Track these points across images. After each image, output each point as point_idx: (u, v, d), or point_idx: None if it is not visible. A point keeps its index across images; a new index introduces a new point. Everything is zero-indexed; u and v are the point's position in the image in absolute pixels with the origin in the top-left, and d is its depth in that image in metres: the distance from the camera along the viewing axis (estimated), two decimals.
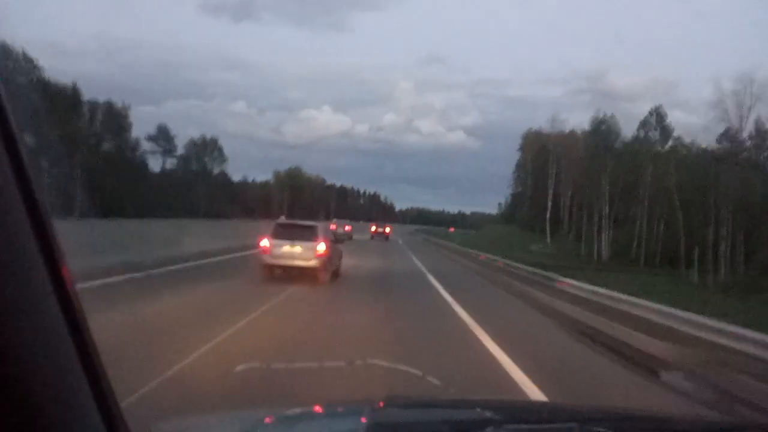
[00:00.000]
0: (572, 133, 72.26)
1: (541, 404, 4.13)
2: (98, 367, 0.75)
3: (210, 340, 6.80)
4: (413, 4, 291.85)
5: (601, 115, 66.53)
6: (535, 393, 5.59)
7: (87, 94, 64.17)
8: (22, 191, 0.66)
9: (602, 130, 64.37)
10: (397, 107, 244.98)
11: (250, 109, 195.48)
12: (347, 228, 43.88)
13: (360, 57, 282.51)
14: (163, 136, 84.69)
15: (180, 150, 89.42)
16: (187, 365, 5.74)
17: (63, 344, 0.70)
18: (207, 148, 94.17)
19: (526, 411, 2.19)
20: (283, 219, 20.50)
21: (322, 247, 13.18)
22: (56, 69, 76.49)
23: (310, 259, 12.94)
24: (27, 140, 0.68)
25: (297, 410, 1.97)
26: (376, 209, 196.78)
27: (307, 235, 13.34)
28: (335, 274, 14.64)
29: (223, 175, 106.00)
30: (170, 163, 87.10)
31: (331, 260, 13.93)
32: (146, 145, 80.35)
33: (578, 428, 1.49)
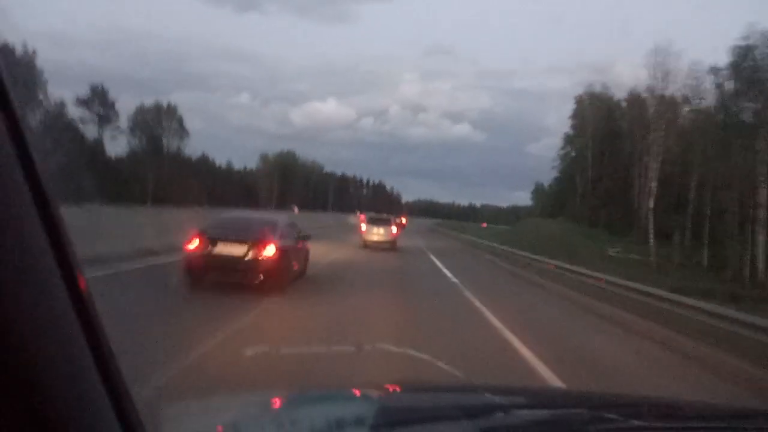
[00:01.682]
0: (668, 97, 49.50)
1: (552, 390, 4.15)
2: (111, 361, 0.74)
3: None
4: None
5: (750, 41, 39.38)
6: None
7: (88, 85, 54.99)
8: (29, 183, 0.65)
9: (751, 67, 39.42)
10: (402, 99, 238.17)
11: (254, 101, 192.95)
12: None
13: (365, 48, 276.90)
14: (98, 100, 63.65)
15: (126, 120, 68.30)
16: None
17: (74, 339, 0.69)
18: (162, 119, 72.87)
19: (537, 396, 2.17)
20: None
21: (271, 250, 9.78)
22: (56, 60, 69.53)
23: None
24: None
25: (306, 393, 1.98)
26: (381, 200, 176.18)
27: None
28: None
29: (197, 155, 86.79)
30: (110, 135, 65.86)
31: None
32: (76, 111, 59.59)
33: (588, 414, 1.51)
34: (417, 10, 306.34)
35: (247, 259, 9.37)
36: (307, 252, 12.80)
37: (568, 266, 18.36)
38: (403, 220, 53.46)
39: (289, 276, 10.63)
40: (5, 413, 0.60)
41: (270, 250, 9.54)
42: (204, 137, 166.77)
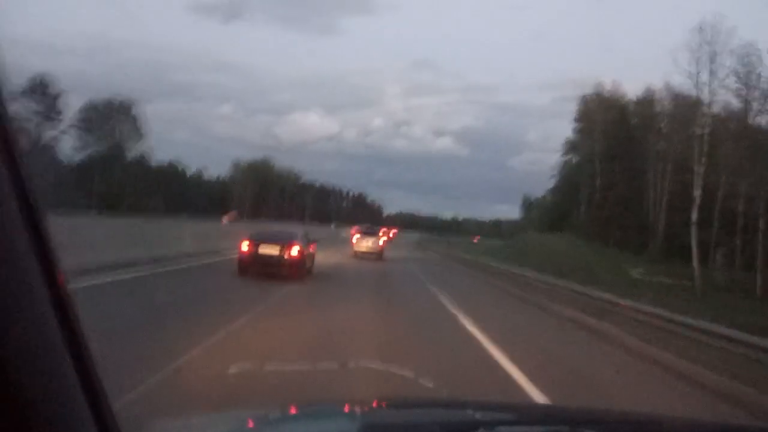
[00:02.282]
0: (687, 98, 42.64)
1: (534, 406, 4.10)
2: (91, 366, 0.73)
3: None
4: (404, 8, 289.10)
5: None
6: None
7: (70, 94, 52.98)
8: (15, 187, 0.65)
9: None
10: (385, 112, 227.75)
11: (238, 111, 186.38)
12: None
13: (350, 61, 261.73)
14: (40, 94, 55.34)
15: (71, 118, 60.09)
16: None
17: (54, 344, 0.69)
18: (114, 119, 64.52)
19: (518, 412, 2.17)
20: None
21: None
22: (40, 68, 60.91)
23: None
24: None
25: (288, 410, 1.98)
26: (361, 212, 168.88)
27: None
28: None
29: (151, 159, 78.31)
30: (50, 135, 57.42)
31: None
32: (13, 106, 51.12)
33: (569, 430, 1.50)
34: (402, 25, 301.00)
35: (280, 256, 13.97)
36: (313, 254, 16.84)
37: (615, 299, 14.19)
38: (391, 234, 56.26)
39: (305, 269, 15.12)
40: None
41: (295, 251, 14.27)
42: (187, 147, 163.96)
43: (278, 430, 1.60)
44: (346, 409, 1.87)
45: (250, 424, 1.62)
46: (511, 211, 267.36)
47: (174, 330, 7.09)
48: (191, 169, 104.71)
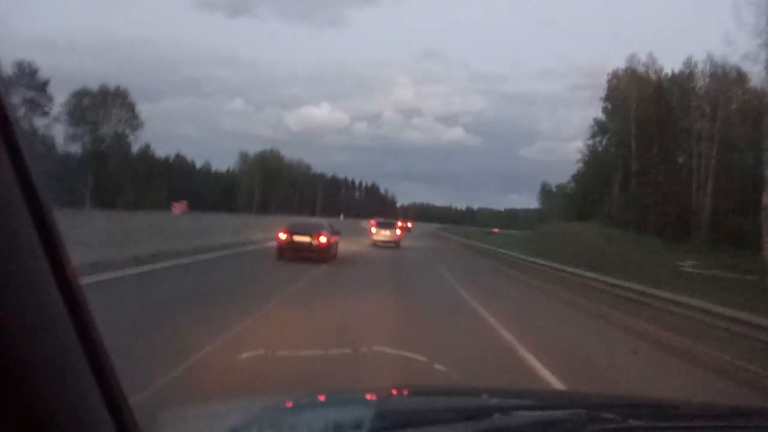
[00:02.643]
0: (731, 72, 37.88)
1: (551, 392, 4.20)
2: (105, 361, 0.74)
3: None
4: None
5: None
6: None
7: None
8: (21, 183, 0.65)
9: None
10: (395, 103, 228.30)
11: (248, 106, 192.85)
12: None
13: (358, 52, 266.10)
14: (26, 80, 51.59)
15: (60, 105, 56.42)
16: None
17: (66, 340, 0.69)
18: (108, 108, 60.54)
19: (535, 398, 2.19)
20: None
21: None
22: (48, 66, 64.61)
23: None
24: None
25: (304, 398, 1.99)
26: (374, 203, 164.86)
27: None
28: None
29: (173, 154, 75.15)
30: (41, 124, 53.69)
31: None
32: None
33: (586, 414, 1.50)
34: (408, 15, 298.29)
35: (311, 243, 16.86)
36: (337, 242, 19.92)
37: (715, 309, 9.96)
38: (409, 225, 58.29)
39: (330, 255, 18.11)
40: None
41: (323, 239, 17.15)
42: (196, 142, 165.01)
43: (291, 419, 1.59)
44: (362, 396, 1.90)
45: (262, 414, 1.60)
46: (525, 201, 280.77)
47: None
48: (200, 162, 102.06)
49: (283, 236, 17.33)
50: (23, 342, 0.61)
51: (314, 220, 22.15)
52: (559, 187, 77.54)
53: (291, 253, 16.94)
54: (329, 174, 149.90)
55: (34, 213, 0.65)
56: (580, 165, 61.78)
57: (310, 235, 17.13)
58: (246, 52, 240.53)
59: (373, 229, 31.10)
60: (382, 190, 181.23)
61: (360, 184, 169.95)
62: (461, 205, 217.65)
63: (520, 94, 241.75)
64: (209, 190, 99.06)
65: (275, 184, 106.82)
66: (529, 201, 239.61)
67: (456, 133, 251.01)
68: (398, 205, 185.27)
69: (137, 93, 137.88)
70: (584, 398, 2.29)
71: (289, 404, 1.79)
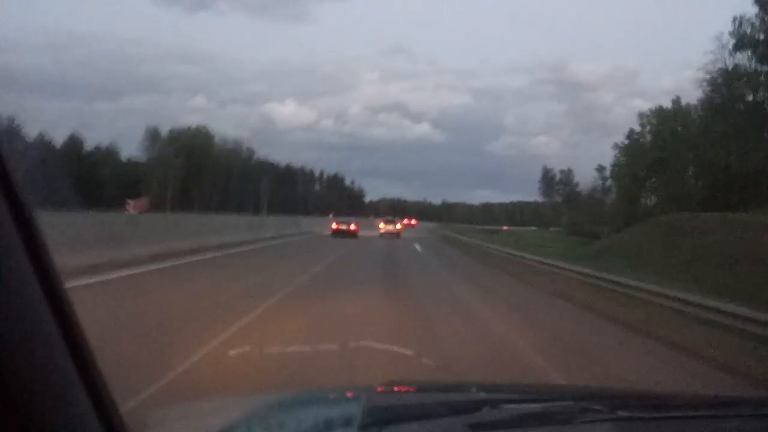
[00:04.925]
0: None
1: (541, 385, 4.14)
2: (91, 361, 0.74)
3: None
4: None
5: None
6: None
7: (33, 91, 40.66)
8: (1, 183, 0.64)
9: None
10: (362, 99, 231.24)
11: (210, 103, 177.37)
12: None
13: (323, 49, 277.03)
14: None
15: None
16: None
17: (53, 343, 0.69)
18: None
19: (525, 391, 2.18)
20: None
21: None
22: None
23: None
24: None
25: (293, 395, 1.98)
26: (339, 197, 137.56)
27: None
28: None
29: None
30: None
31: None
32: None
33: (576, 406, 1.51)
34: (375, 10, 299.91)
35: (349, 229, 37.34)
36: (357, 228, 38.32)
37: None
38: (413, 222, 73.88)
39: (356, 234, 37.24)
40: None
41: (353, 226, 38.08)
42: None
43: (281, 416, 1.57)
44: (351, 392, 1.92)
45: (251, 411, 1.59)
46: (494, 196, 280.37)
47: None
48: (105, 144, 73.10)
49: (334, 226, 37.97)
50: (6, 344, 0.60)
51: (346, 218, 44.87)
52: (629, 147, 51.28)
53: (338, 233, 36.33)
54: (282, 162, 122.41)
55: (13, 214, 0.64)
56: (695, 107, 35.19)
57: (347, 224, 38.34)
58: (208, 49, 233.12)
59: (381, 225, 43.84)
60: (347, 182, 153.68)
61: (321, 174, 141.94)
62: (436, 200, 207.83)
63: (486, 89, 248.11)
64: (111, 182, 70.89)
65: (203, 173, 78.72)
66: (498, 195, 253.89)
67: (423, 129, 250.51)
68: (367, 200, 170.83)
69: (95, 90, 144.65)
70: (574, 390, 2.37)
71: (279, 401, 1.79)
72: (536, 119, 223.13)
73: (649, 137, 54.87)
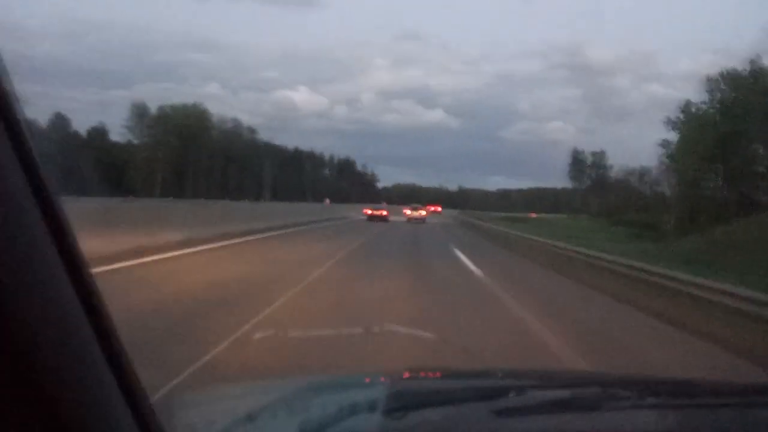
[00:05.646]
0: None
1: (566, 371, 4.14)
2: (122, 355, 0.73)
3: None
4: None
5: None
6: None
7: (50, 78, 43.82)
8: (26, 170, 0.63)
9: None
10: (374, 86, 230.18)
11: (224, 90, 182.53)
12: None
13: (334, 34, 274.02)
14: None
15: None
16: None
17: (82, 335, 0.68)
18: None
19: (550, 378, 2.17)
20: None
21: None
22: (17, 53, 50.59)
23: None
24: None
25: (317, 380, 2.00)
26: (350, 183, 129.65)
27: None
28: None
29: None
30: None
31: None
32: None
33: (603, 392, 1.51)
34: None
35: (382, 214, 43.28)
36: (388, 214, 44.26)
37: None
38: (438, 209, 74.79)
39: (388, 219, 42.55)
40: (15, 417, 0.60)
41: (385, 212, 44.15)
42: None
43: (306, 401, 1.58)
44: (376, 377, 1.93)
45: (276, 395, 1.62)
46: (509, 182, 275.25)
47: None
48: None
49: (368, 212, 44.28)
50: (36, 343, 0.61)
51: (379, 205, 53.13)
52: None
53: (373, 218, 41.60)
54: (290, 146, 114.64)
55: (43, 208, 0.63)
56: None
57: (379, 210, 44.18)
58: (220, 36, 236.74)
59: (408, 212, 47.10)
60: (359, 167, 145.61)
61: (331, 158, 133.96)
62: (451, 186, 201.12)
63: (500, 74, 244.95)
64: (96, 167, 63.51)
65: (197, 155, 71.15)
66: (512, 182, 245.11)
67: (436, 115, 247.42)
68: (381, 186, 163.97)
69: (109, 78, 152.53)
70: (600, 377, 2.36)
71: (304, 386, 1.81)
72: (551, 104, 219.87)
73: (706, 107, 46.25)
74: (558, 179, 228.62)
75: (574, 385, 1.80)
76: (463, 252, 16.96)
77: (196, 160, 70.94)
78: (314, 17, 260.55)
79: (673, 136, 53.04)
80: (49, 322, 0.62)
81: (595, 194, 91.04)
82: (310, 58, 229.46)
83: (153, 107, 72.13)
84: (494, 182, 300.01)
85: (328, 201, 61.46)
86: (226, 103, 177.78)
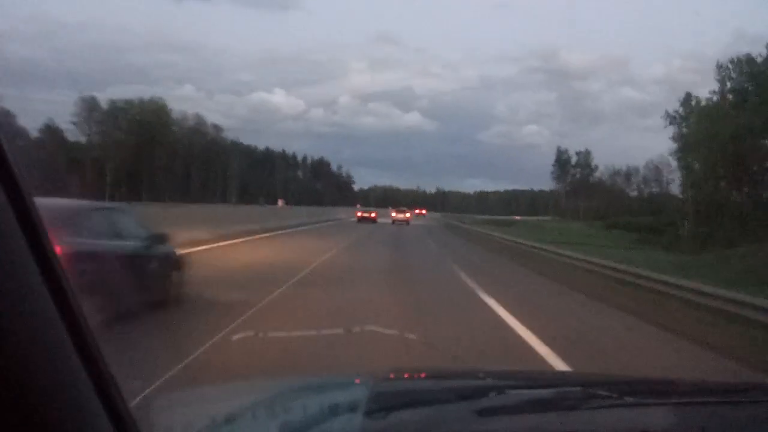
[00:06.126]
0: None
1: (548, 372, 4.16)
2: (96, 353, 0.73)
3: None
4: None
5: None
6: None
7: (18, 80, 58.14)
8: (4, 181, 0.63)
9: None
10: (351, 88, 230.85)
11: (198, 92, 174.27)
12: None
13: (311, 37, 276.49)
14: None
15: None
16: None
17: (56, 332, 0.68)
18: None
19: (532, 378, 2.17)
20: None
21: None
22: None
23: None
24: None
25: (298, 380, 2.02)
26: (325, 185, 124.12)
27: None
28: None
29: None
30: None
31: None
32: None
33: (583, 392, 1.53)
34: None
35: (371, 216, 44.77)
36: (376, 215, 46.39)
37: None
38: (423, 212, 79.00)
39: (376, 221, 44.02)
40: None
41: (373, 214, 45.55)
42: None
43: (287, 401, 1.55)
44: (357, 378, 1.93)
45: (257, 396, 1.60)
46: (486, 185, 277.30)
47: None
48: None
49: (359, 214, 45.35)
50: (12, 342, 0.60)
51: (368, 208, 53.93)
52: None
53: (363, 220, 42.48)
54: (259, 146, 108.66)
55: (17, 210, 0.63)
56: None
57: (368, 213, 45.35)
58: (195, 38, 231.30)
59: (393, 214, 47.92)
60: (334, 168, 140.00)
61: (304, 159, 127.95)
62: (430, 188, 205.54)
63: (476, 78, 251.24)
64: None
65: (154, 154, 64.97)
66: (489, 184, 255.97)
67: (413, 118, 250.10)
68: (357, 188, 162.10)
69: (79, 80, 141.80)
70: (580, 377, 2.35)
71: (284, 386, 1.82)
72: (527, 108, 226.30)
73: (712, 98, 41.81)
74: (537, 180, 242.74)
75: (555, 385, 1.82)
76: (474, 279, 10.99)
77: (153, 159, 64.70)
78: (291, 20, 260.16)
79: (670, 132, 48.69)
80: (21, 323, 0.62)
81: (579, 196, 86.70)
82: (287, 61, 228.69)
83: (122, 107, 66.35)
84: (471, 185, 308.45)
85: (281, 202, 61.00)
86: (200, 105, 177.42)
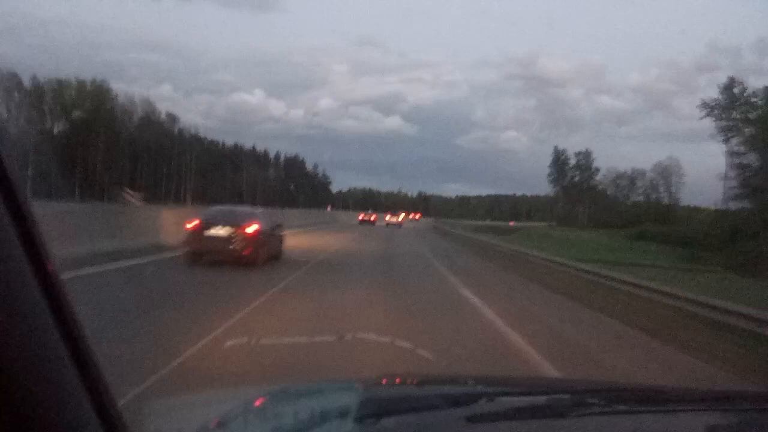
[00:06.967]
0: None
1: (538, 378, 4.22)
2: (89, 357, 0.73)
3: None
4: None
5: None
6: None
7: None
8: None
9: None
10: (332, 91, 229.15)
11: (176, 92, 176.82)
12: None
13: (293, 39, 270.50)
14: None
15: None
16: None
17: (49, 335, 0.68)
18: None
19: (522, 385, 2.18)
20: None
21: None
22: None
23: None
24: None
25: (289, 387, 2.00)
26: (298, 185, 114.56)
27: None
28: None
29: None
30: None
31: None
32: None
33: (572, 399, 1.53)
34: (344, 1, 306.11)
35: (370, 219, 52.07)
36: (376, 218, 55.23)
37: None
38: (417, 216, 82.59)
39: (375, 222, 52.79)
40: None
41: (373, 217, 53.01)
42: None
43: (278, 408, 1.57)
44: (347, 384, 1.94)
45: (249, 403, 1.60)
46: (465, 189, 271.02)
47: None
48: None
49: (361, 216, 51.70)
50: (7, 348, 0.60)
51: (368, 212, 58.22)
52: None
53: (365, 222, 48.92)
54: (225, 141, 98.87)
55: (9, 205, 0.62)
56: None
57: (369, 215, 51.90)
58: (173, 37, 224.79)
59: (387, 217, 53.05)
60: (309, 167, 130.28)
61: (277, 157, 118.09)
62: (412, 191, 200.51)
63: (456, 83, 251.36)
64: None
65: (90, 144, 55.05)
66: (468, 189, 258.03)
67: (394, 122, 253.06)
68: (335, 189, 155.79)
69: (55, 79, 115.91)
70: (569, 384, 2.36)
71: (276, 393, 1.81)
72: (506, 114, 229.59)
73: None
74: (518, 186, 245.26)
75: (546, 391, 1.82)
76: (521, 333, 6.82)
77: (89, 150, 54.76)
78: (271, 21, 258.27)
79: (707, 124, 40.20)
80: (13, 324, 0.61)
81: (582, 200, 78.21)
82: (267, 62, 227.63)
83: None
84: (452, 189, 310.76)
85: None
86: (178, 105, 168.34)
